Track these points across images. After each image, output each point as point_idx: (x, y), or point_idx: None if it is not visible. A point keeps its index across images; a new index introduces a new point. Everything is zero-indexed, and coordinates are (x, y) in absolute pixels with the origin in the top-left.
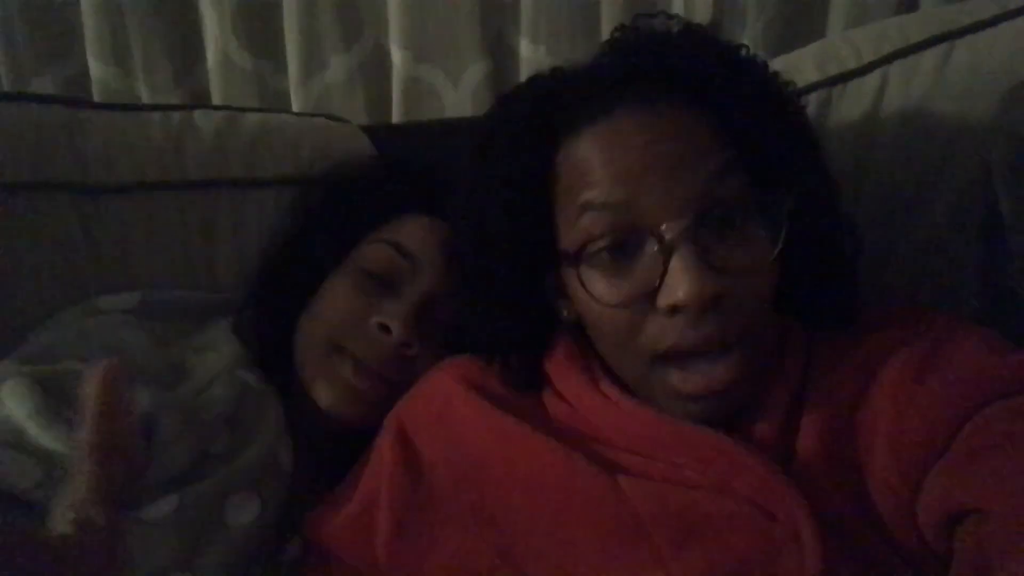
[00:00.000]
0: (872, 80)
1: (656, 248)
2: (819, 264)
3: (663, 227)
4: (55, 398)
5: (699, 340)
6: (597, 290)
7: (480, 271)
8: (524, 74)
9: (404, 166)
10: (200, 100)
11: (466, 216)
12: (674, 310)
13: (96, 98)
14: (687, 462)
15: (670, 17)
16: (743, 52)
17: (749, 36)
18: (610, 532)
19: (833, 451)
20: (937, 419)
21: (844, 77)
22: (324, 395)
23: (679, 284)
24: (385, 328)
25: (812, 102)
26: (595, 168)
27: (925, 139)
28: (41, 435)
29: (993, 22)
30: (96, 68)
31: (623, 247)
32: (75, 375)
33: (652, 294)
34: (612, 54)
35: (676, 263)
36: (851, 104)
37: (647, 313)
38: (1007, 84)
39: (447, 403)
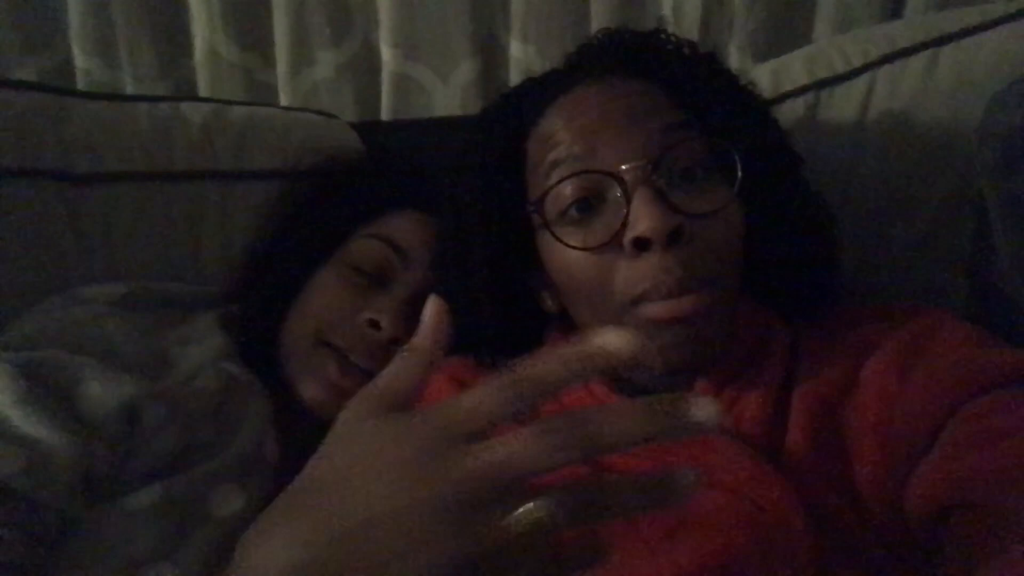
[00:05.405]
0: (860, 84)
1: (619, 192)
2: (788, 238)
3: (623, 168)
4: (39, 386)
5: (670, 282)
6: (569, 240)
7: (462, 268)
8: (514, 73)
9: (393, 162)
10: (186, 93)
11: (449, 214)
12: (639, 246)
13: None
14: (674, 458)
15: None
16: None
17: (737, 41)
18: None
19: (820, 444)
20: (922, 413)
21: (832, 81)
22: (308, 391)
23: (641, 217)
24: (375, 324)
25: (800, 105)
26: (558, 132)
27: (912, 142)
28: (25, 423)
29: (978, 29)
30: (80, 58)
31: (588, 202)
32: (60, 364)
33: (619, 237)
34: (572, 56)
35: (637, 199)
36: (839, 108)
37: (617, 260)
38: (992, 89)
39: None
